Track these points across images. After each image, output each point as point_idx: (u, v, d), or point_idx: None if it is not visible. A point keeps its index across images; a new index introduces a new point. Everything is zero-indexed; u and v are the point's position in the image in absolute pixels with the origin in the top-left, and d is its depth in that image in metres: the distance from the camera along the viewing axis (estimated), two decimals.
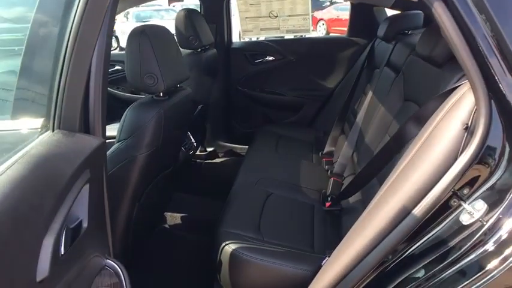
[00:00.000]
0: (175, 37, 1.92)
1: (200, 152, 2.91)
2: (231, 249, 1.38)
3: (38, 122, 0.94)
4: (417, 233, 1.03)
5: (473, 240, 0.92)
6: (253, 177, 1.90)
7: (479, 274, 0.89)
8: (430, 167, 1.01)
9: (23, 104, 1.01)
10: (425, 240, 1.01)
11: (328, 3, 11.87)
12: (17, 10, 1.47)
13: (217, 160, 2.91)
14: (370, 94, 2.07)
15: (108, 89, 2.88)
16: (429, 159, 1.02)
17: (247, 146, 2.51)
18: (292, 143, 2.48)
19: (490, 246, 0.90)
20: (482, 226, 0.91)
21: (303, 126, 2.85)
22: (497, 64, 0.91)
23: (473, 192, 0.95)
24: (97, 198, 0.91)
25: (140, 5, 8.67)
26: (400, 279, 1.07)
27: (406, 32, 2.21)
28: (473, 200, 0.95)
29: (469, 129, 0.95)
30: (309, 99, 2.88)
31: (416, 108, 1.50)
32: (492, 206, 0.92)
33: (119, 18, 8.20)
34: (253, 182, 1.87)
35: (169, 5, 11.53)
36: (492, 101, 0.92)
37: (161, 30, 1.48)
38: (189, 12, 2.28)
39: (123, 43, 1.60)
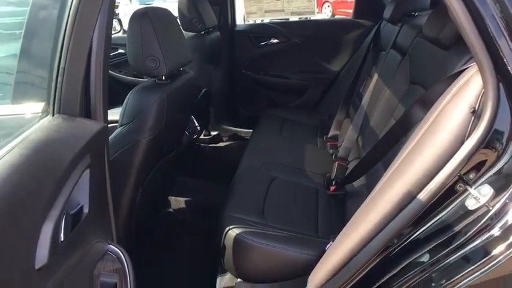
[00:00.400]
0: (178, 20, 1.90)
1: (204, 136, 2.90)
2: (234, 234, 1.38)
3: (38, 106, 0.93)
4: (422, 217, 1.02)
5: (479, 225, 0.91)
6: (257, 161, 1.90)
7: (484, 259, 0.88)
8: (436, 151, 0.99)
9: (23, 88, 1.00)
10: (430, 225, 1.00)
11: None
12: None
13: (221, 144, 2.90)
14: (375, 77, 2.04)
15: (111, 72, 2.87)
16: (435, 143, 1.00)
17: (251, 130, 2.49)
18: (297, 126, 2.46)
19: (496, 231, 0.88)
20: (488, 211, 0.90)
21: (307, 109, 2.83)
22: (506, 46, 0.89)
23: (480, 177, 0.94)
24: (99, 184, 0.90)
25: None
26: (404, 264, 1.06)
27: (413, 13, 2.16)
28: (479, 185, 0.94)
29: (476, 113, 0.93)
30: (314, 82, 2.85)
31: (423, 91, 1.47)
32: (499, 190, 0.90)
33: (123, 0, 8.11)
34: (257, 166, 1.86)
35: None
36: (500, 84, 0.90)
37: (163, 13, 1.46)
38: None
39: (126, 26, 1.58)
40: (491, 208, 0.90)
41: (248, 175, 1.78)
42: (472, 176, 0.96)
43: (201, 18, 2.26)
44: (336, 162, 1.85)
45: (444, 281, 0.96)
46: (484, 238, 0.89)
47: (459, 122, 0.96)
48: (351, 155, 1.88)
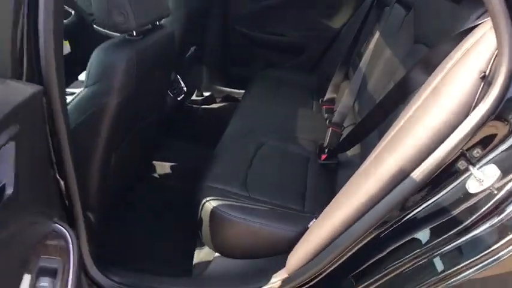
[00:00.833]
0: None
1: (196, 96, 2.74)
2: (211, 207, 1.26)
3: None
4: (415, 199, 0.89)
5: (481, 211, 0.78)
6: (245, 126, 1.76)
7: (487, 252, 0.75)
8: (436, 122, 0.85)
9: None
10: (424, 208, 0.88)
11: None
12: None
13: (214, 105, 2.75)
14: (377, 35, 1.85)
15: (97, 28, 2.67)
16: (436, 112, 0.85)
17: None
18: (292, 88, 2.30)
19: (501, 220, 0.76)
20: (492, 196, 0.77)
21: (305, 70, 2.64)
22: None
23: (485, 155, 0.80)
24: (34, 157, 0.77)
25: None
26: (393, 247, 0.94)
27: None
28: (484, 164, 0.80)
29: (486, 79, 0.78)
30: (313, 40, 2.64)
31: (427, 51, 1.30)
32: (506, 172, 0.76)
33: None
34: (244, 131, 1.72)
35: None
36: None
37: None
38: None
39: None
40: (496, 192, 0.76)
41: (233, 141, 1.65)
42: (476, 153, 0.82)
43: None
44: (330, 128, 1.71)
45: (441, 270, 0.85)
46: (486, 227, 0.77)
47: (466, 89, 0.81)
48: (347, 121, 1.74)
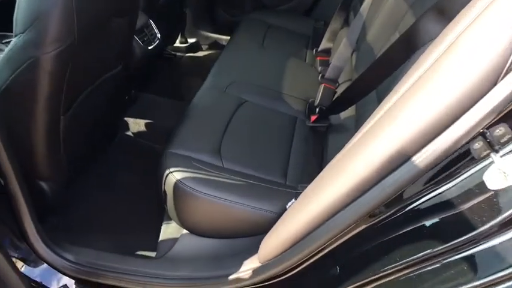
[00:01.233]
0: None
1: (180, 43, 2.48)
2: (174, 180, 1.08)
3: None
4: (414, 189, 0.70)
5: (503, 216, 0.58)
6: (225, 80, 1.53)
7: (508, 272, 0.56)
8: (452, 91, 0.63)
9: None
10: (424, 202, 0.68)
11: None
12: None
13: (200, 54, 2.50)
14: None
15: None
16: (453, 77, 0.63)
17: None
18: (284, 35, 2.02)
19: None
20: None
21: (299, 14, 2.35)
22: None
23: None
24: None
25: None
26: (382, 252, 0.76)
27: None
28: (510, 152, 0.59)
29: None
30: None
31: None
32: None
33: None
34: (223, 85, 1.50)
35: None
36: None
37: None
38: None
39: None
40: None
41: (209, 98, 1.43)
42: (500, 133, 0.61)
43: None
44: (323, 85, 1.48)
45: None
46: (509, 238, 0.57)
47: (494, 48, 0.58)
48: (342, 76, 1.50)
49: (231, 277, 0.98)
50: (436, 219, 0.66)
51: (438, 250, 0.64)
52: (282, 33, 2.03)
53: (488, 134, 0.62)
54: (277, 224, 0.95)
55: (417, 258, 0.67)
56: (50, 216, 1.32)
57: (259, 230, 1.06)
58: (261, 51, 1.84)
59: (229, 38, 2.35)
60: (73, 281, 1.16)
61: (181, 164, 1.11)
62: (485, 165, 0.61)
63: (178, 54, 2.44)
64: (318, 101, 1.47)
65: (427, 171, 0.66)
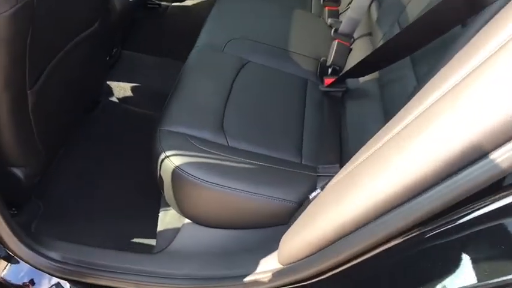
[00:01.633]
0: None
1: None
2: (173, 166, 0.90)
3: None
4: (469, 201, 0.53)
5: None
6: (221, 37, 1.31)
7: None
8: None
9: None
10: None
11: None
12: None
13: (188, 3, 2.22)
14: None
15: None
16: None
17: None
18: None
19: None
20: None
21: None
22: None
23: None
24: None
25: None
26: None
27: None
28: None
29: None
30: None
31: None
32: None
33: None
34: (220, 44, 1.29)
35: None
36: None
37: None
38: None
39: None
40: None
41: (205, 60, 1.23)
42: None
43: None
44: (336, 41, 1.27)
45: None
46: None
47: None
48: (358, 29, 1.29)
49: (248, 279, 0.84)
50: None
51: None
52: None
53: None
54: (300, 220, 0.79)
55: None
56: (27, 205, 1.16)
57: (276, 221, 0.91)
58: (259, 2, 1.59)
59: None
60: None
61: (178, 144, 0.93)
62: None
63: (163, 3, 2.16)
64: (331, 60, 1.27)
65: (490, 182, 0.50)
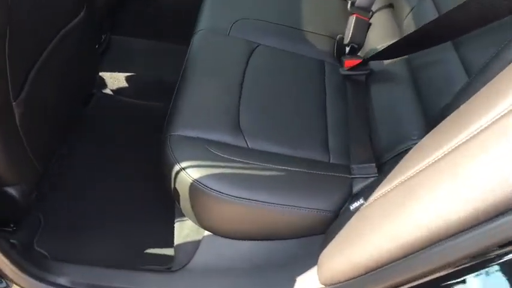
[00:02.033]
0: None
1: None
2: (191, 180, 0.79)
3: None
4: None
5: None
6: (226, 19, 1.17)
7: None
8: None
9: None
10: None
11: None
12: None
13: None
14: None
15: None
16: None
17: None
18: None
19: None
20: None
21: None
22: None
23: None
24: None
25: None
26: None
27: None
28: None
29: None
30: None
31: None
32: None
33: None
34: (225, 27, 1.14)
35: None
36: None
37: None
38: None
39: None
40: None
41: (210, 46, 1.09)
42: None
43: None
44: (354, 15, 1.14)
45: None
46: None
47: None
48: (377, 1, 1.16)
49: None
50: None
51: None
52: None
53: None
54: (342, 236, 0.69)
55: None
56: (27, 219, 1.05)
57: (309, 232, 0.82)
58: None
59: None
60: None
61: (194, 153, 0.82)
62: None
63: None
64: (349, 37, 1.14)
65: None
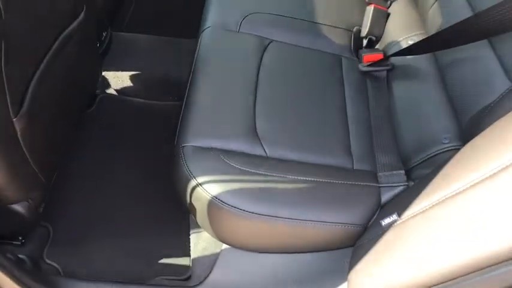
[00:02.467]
0: None
1: None
2: (209, 197, 0.73)
3: None
4: None
5: None
6: (234, 14, 1.10)
7: None
8: None
9: None
10: None
11: None
12: None
13: None
14: None
15: None
16: None
17: None
18: None
19: None
20: None
21: None
22: None
23: None
24: None
25: None
26: None
27: None
28: None
29: None
30: None
31: None
32: None
33: None
34: (234, 23, 1.07)
35: None
36: None
37: None
38: None
39: None
40: None
41: (219, 45, 1.02)
42: None
43: None
44: (372, 6, 1.07)
45: None
46: None
47: None
48: None
49: None
50: None
51: None
52: None
53: None
54: (375, 254, 0.64)
55: None
56: (35, 231, 1.01)
57: (335, 247, 0.77)
58: None
59: None
60: None
61: (210, 166, 0.76)
62: None
63: None
64: (367, 29, 1.07)
65: None
